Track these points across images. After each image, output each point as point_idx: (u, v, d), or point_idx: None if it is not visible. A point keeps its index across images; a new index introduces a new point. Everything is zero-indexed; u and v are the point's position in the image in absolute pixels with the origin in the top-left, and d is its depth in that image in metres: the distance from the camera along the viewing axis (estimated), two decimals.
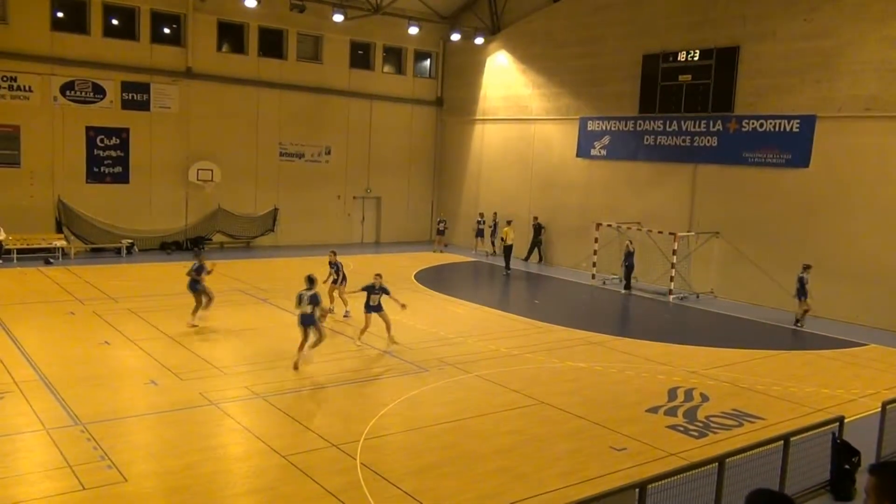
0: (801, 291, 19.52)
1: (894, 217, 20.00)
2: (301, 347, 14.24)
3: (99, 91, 26.63)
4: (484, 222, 31.84)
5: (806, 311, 19.80)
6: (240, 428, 10.99)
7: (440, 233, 32.36)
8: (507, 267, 27.39)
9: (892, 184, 20.05)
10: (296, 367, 13.98)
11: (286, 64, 30.59)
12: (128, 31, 27.38)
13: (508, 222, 28.49)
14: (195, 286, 16.90)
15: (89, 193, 26.83)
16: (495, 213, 31.44)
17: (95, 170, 26.98)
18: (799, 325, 19.83)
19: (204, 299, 16.99)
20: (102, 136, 26.95)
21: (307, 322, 14.31)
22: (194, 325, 16.64)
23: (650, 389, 13.76)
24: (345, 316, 18.44)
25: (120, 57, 26.90)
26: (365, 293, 16.06)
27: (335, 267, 18.53)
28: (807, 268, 19.54)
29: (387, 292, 16.04)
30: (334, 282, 18.55)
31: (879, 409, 10.40)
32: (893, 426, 10.39)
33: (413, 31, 30.62)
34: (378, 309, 15.99)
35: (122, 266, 24.87)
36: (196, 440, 10.44)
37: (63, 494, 8.55)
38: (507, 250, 27.63)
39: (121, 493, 8.68)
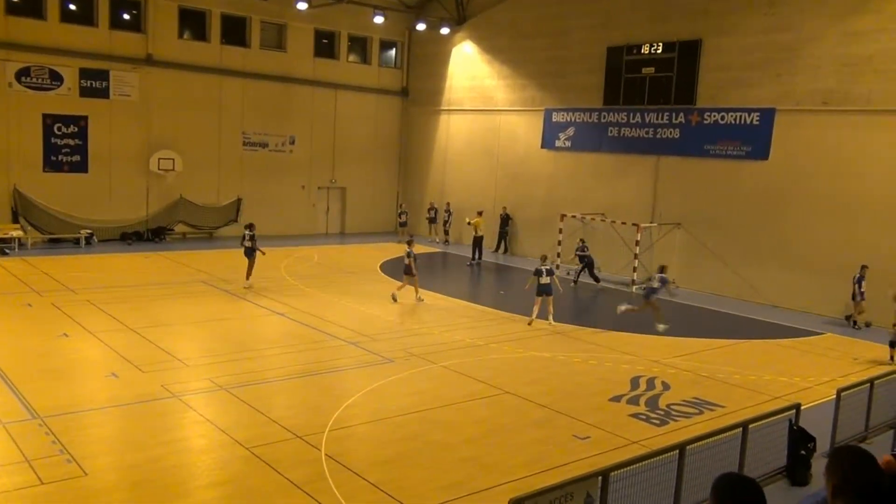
0: (858, 293, 19.06)
1: (849, 209, 20.47)
2: (541, 314, 17.76)
3: (56, 77, 26.01)
4: (436, 211, 32.08)
5: (860, 314, 19.36)
6: (203, 420, 10.89)
7: (402, 224, 32.30)
8: (474, 257, 27.40)
9: (847, 176, 20.51)
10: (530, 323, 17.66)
11: (249, 52, 30.20)
12: (86, 16, 26.75)
13: (479, 213, 28.47)
14: (250, 253, 20.27)
15: (46, 182, 26.22)
16: (448, 203, 31.63)
17: (53, 158, 26.38)
18: (857, 327, 19.36)
19: (250, 266, 20.31)
20: (60, 124, 26.35)
21: (546, 291, 17.69)
22: (248, 287, 20.11)
23: (613, 378, 13.94)
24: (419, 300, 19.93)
25: (78, 43, 26.29)
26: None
27: (412, 257, 19.70)
28: (864, 268, 18.96)
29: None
30: (409, 271, 19.69)
31: (834, 397, 10.68)
32: (848, 413, 10.67)
33: (378, 20, 30.40)
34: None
35: (81, 257, 24.39)
36: (158, 433, 10.31)
37: (21, 489, 8.38)
38: (477, 241, 27.53)
39: (81, 487, 8.55)
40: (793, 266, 21.42)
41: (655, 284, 17.95)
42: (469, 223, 27.98)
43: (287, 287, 20.95)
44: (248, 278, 20.34)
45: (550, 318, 17.88)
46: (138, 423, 10.67)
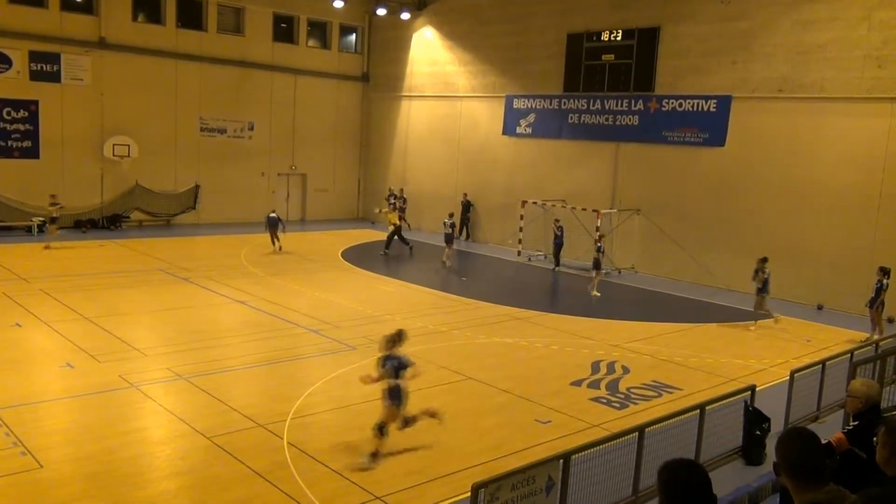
0: None
1: (802, 195, 20.91)
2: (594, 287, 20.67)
3: (4, 60, 25.23)
4: (396, 197, 32.05)
5: None
6: (162, 410, 10.74)
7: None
8: (406, 243, 26.31)
9: (800, 163, 20.95)
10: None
11: (206, 36, 29.63)
12: None
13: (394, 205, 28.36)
14: (276, 223, 24.09)
15: None
16: (401, 189, 31.81)
17: (2, 144, 25.61)
18: None
19: (279, 234, 24.17)
20: (9, 109, 25.58)
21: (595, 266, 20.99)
22: (279, 250, 23.93)
23: (574, 363, 14.09)
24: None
25: (27, 25, 25.52)
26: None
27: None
28: None
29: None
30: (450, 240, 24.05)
31: (788, 378, 10.94)
32: (801, 394, 10.96)
33: (338, 4, 30.08)
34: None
35: (34, 245, 23.78)
36: (116, 424, 10.14)
37: None
38: (397, 230, 26.69)
39: (36, 480, 8.38)
40: (747, 251, 21.73)
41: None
42: (379, 212, 27.70)
43: (247, 275, 20.72)
44: (277, 241, 24.11)
45: (593, 289, 20.83)
46: (95, 413, 10.47)
